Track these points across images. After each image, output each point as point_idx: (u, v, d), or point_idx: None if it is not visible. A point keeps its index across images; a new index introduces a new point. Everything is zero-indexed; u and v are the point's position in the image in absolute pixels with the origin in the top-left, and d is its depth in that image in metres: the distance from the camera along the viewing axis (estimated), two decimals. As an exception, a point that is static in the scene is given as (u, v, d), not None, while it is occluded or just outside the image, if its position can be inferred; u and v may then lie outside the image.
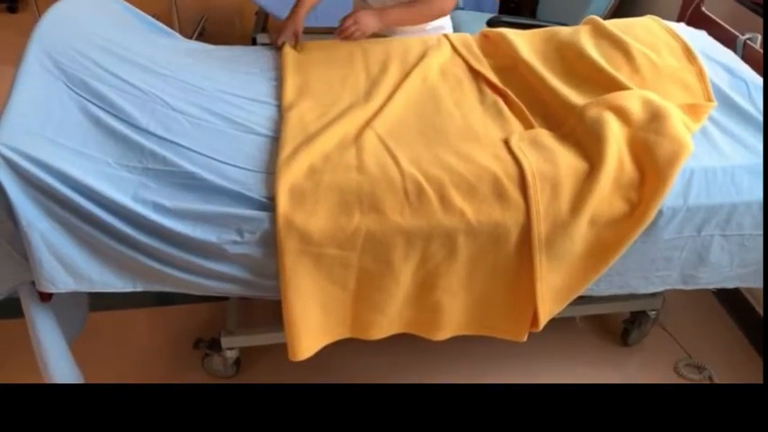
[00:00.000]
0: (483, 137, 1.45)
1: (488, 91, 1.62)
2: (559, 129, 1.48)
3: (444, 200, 1.30)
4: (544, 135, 1.45)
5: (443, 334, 1.46)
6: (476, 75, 1.68)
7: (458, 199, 1.31)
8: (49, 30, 1.47)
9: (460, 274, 1.36)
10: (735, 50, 1.81)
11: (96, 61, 1.46)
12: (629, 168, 1.36)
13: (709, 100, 1.54)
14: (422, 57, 1.70)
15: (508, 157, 1.37)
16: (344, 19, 1.72)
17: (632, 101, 1.45)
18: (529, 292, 1.38)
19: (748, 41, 1.82)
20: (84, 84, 1.39)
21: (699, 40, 1.76)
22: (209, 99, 1.52)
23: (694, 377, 1.88)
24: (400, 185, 1.31)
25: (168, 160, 1.31)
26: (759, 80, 1.63)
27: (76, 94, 1.37)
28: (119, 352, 1.85)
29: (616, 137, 1.38)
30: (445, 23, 2.02)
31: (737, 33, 1.85)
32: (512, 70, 1.69)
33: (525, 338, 1.47)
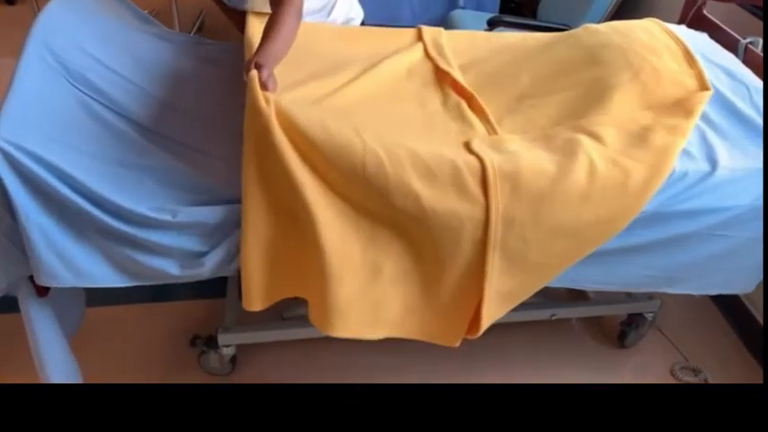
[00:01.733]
0: (444, 135, 1.40)
1: (452, 93, 1.56)
2: (527, 133, 1.43)
3: (402, 181, 1.22)
4: (509, 140, 1.38)
5: (379, 332, 1.36)
6: (443, 76, 1.61)
7: (416, 182, 1.23)
8: (50, 23, 1.47)
9: (405, 261, 1.30)
10: (736, 54, 1.80)
11: (96, 56, 1.46)
12: (599, 184, 1.29)
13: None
14: (391, 55, 1.62)
15: (469, 156, 1.30)
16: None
17: (607, 128, 1.39)
18: (474, 292, 1.31)
19: (750, 45, 1.82)
20: (84, 79, 1.39)
21: (700, 42, 1.75)
22: (208, 96, 1.52)
23: (690, 380, 1.89)
24: (360, 158, 1.21)
25: (167, 159, 1.31)
26: (760, 84, 1.63)
27: (77, 89, 1.37)
28: (114, 348, 1.84)
29: (587, 150, 1.32)
30: (354, 15, 1.91)
31: (739, 37, 1.85)
32: (489, 73, 1.63)
33: (458, 344, 1.39)
